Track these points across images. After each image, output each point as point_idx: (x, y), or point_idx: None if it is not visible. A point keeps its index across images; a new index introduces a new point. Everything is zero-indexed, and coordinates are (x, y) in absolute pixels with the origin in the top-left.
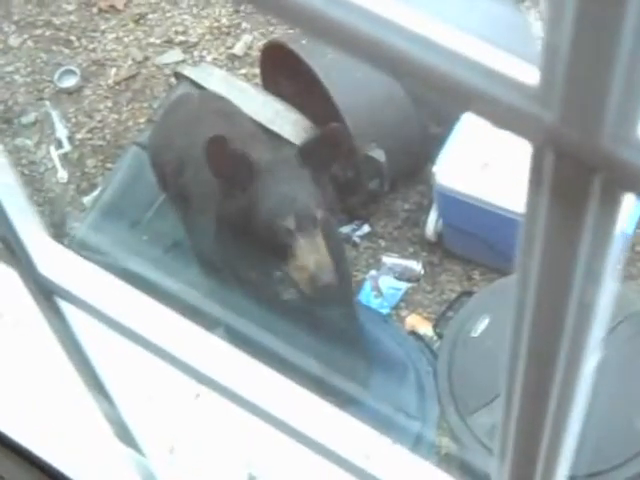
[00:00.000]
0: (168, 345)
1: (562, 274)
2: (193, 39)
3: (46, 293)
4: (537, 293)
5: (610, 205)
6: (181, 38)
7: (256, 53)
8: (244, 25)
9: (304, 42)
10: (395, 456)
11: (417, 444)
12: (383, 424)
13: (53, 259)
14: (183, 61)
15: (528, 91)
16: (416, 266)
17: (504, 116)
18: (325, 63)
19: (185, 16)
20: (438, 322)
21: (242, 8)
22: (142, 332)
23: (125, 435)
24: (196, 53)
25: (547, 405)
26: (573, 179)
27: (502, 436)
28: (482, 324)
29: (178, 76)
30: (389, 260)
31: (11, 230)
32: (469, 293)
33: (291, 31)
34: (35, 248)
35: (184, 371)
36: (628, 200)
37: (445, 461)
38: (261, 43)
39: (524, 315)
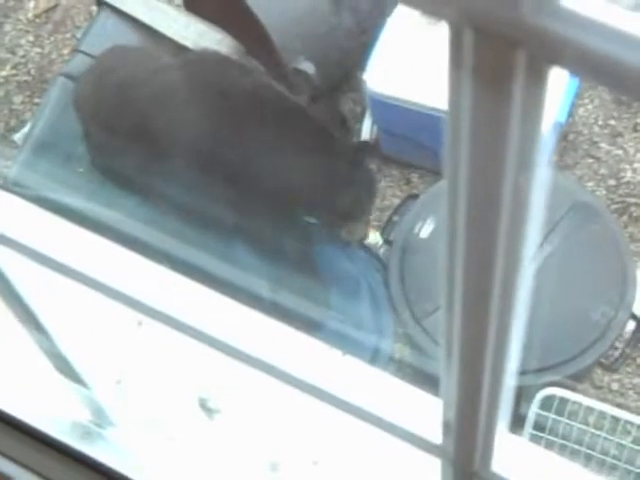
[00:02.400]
0: (105, 277)
1: (493, 162)
2: None
3: None
4: (469, 184)
5: (536, 81)
6: None
7: None
8: None
9: None
10: (346, 367)
11: (375, 357)
12: (340, 341)
13: None
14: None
15: None
16: None
17: None
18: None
19: None
20: (385, 228)
21: None
22: (76, 266)
23: (68, 370)
24: None
25: (490, 302)
26: (495, 57)
27: (447, 337)
28: (430, 226)
29: (99, 3)
30: None
31: None
32: (414, 196)
33: None
34: None
35: (124, 302)
36: (556, 79)
37: (401, 369)
38: None
39: (457, 210)
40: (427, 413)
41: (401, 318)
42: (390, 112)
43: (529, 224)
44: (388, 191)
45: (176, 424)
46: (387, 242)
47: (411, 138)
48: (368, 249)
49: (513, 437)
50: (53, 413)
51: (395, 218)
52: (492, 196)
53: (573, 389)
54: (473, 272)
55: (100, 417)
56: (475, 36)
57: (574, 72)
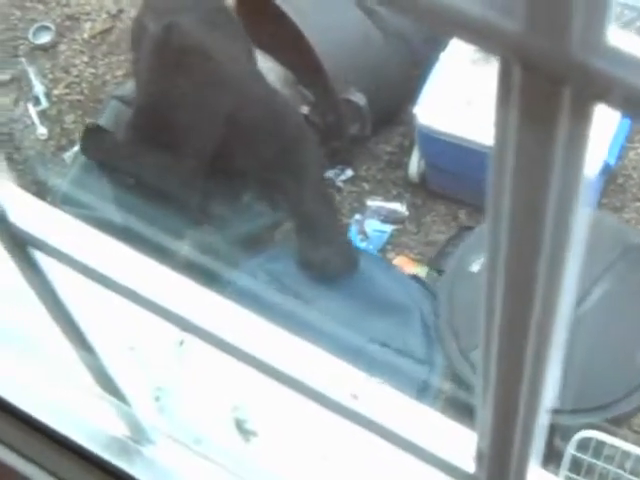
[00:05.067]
0: (149, 293)
1: (535, 198)
2: None
3: (20, 244)
4: (510, 219)
5: (581, 118)
6: None
7: (230, 1)
8: None
9: None
10: (383, 395)
11: (423, 387)
12: (389, 370)
13: (26, 210)
14: None
15: (492, 1)
16: (400, 208)
17: (467, 28)
18: (301, 8)
19: None
20: (436, 259)
21: None
22: (122, 280)
23: (109, 385)
24: None
25: (527, 340)
26: (542, 92)
27: (484, 369)
28: (481, 259)
29: None
30: (373, 203)
31: None
32: (469, 228)
33: None
34: (7, 199)
35: (166, 318)
36: (604, 119)
37: (443, 399)
38: None
39: (499, 246)
40: (462, 443)
41: (448, 348)
42: (439, 147)
43: (568, 256)
44: (433, 226)
45: (212, 444)
46: (438, 272)
47: (459, 174)
48: (419, 279)
49: (546, 473)
50: (92, 427)
51: (447, 249)
52: (533, 233)
53: (612, 433)
54: (511, 308)
55: (138, 434)
56: (523, 71)
57: (619, 110)
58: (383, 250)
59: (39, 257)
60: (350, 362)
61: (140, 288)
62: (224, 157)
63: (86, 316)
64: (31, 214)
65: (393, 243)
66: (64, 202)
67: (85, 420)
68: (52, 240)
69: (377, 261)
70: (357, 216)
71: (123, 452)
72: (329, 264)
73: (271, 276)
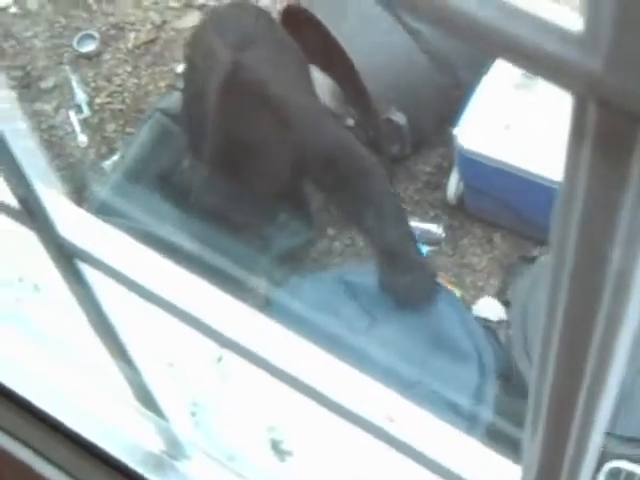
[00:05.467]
0: (190, 307)
1: (601, 235)
2: (212, 2)
3: (67, 256)
4: (575, 251)
5: None
6: (200, 1)
7: (276, 17)
8: None
9: (323, 6)
10: (420, 418)
11: (472, 424)
12: (440, 404)
13: (73, 222)
14: None
15: (571, 38)
16: (437, 229)
17: (544, 64)
18: (345, 27)
19: None
20: (501, 290)
21: None
22: (163, 294)
23: (147, 399)
24: None
25: (583, 371)
26: (618, 130)
27: (535, 399)
28: None
29: None
30: (410, 224)
31: (31, 193)
32: (528, 259)
33: None
34: (55, 211)
35: (206, 334)
36: None
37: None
38: (280, 7)
39: (560, 279)
40: (503, 475)
41: (525, 374)
42: (478, 170)
43: (631, 295)
44: (469, 249)
45: (247, 462)
46: (505, 304)
47: (497, 197)
48: (490, 329)
49: None
50: (128, 441)
51: (508, 280)
52: (597, 270)
53: None
54: (569, 340)
55: (174, 449)
56: (599, 108)
57: None
58: None
59: (85, 269)
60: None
61: (181, 302)
62: (293, 189)
63: (128, 330)
64: (78, 226)
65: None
66: (101, 211)
67: (122, 433)
68: (98, 253)
69: (452, 300)
70: None
71: (158, 467)
72: (410, 292)
73: (349, 289)
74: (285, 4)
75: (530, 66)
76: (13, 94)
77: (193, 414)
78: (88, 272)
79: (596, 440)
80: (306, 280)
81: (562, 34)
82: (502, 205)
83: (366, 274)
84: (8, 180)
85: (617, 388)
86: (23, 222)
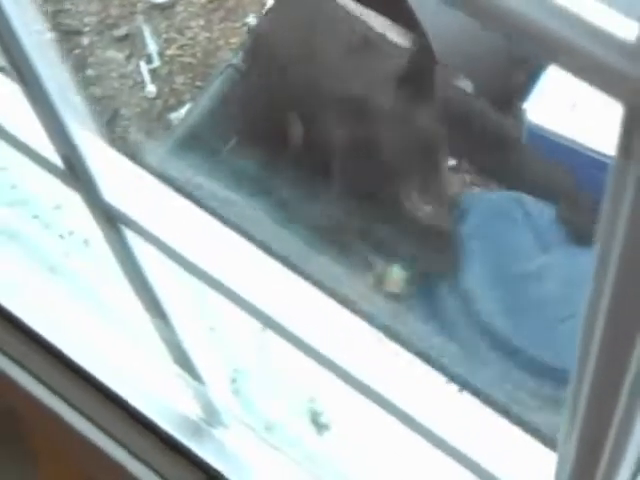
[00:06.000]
0: (233, 284)
1: None
2: None
3: (110, 220)
4: (621, 254)
5: None
6: None
7: None
8: None
9: None
10: (459, 404)
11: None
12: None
13: (119, 184)
14: None
15: (624, 47)
16: None
17: (595, 73)
18: None
19: None
20: None
21: None
22: (206, 268)
23: (186, 363)
24: None
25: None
26: None
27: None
28: None
29: None
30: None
31: (75, 152)
32: None
33: None
34: (101, 172)
35: (248, 311)
36: None
37: None
38: None
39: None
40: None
41: None
42: (546, 145)
43: None
44: None
45: (284, 433)
46: None
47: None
48: None
49: None
50: (166, 405)
51: None
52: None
53: None
54: (607, 354)
55: (211, 416)
56: None
57: None
58: None
59: (128, 233)
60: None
61: (223, 277)
62: None
63: (169, 294)
64: (124, 190)
65: None
66: (161, 166)
67: (160, 396)
68: (142, 220)
69: None
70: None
71: (194, 433)
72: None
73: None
74: None
75: (581, 74)
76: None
77: (233, 381)
78: (131, 236)
79: (638, 438)
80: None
81: (615, 42)
82: None
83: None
84: (52, 137)
85: None
86: (67, 183)
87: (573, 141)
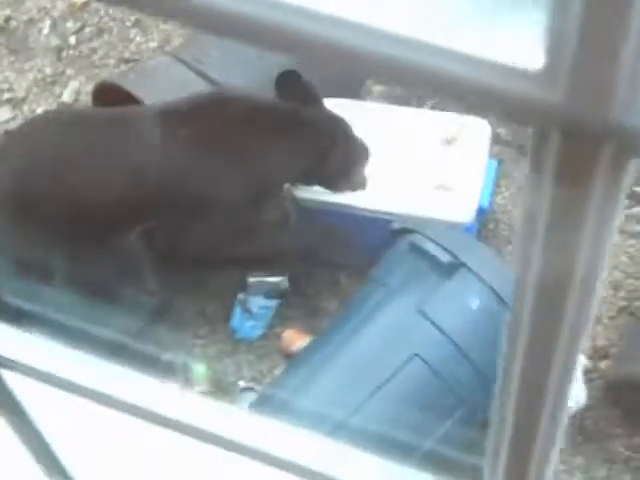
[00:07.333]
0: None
1: (565, 255)
2: (20, 94)
3: None
4: (538, 277)
5: (619, 173)
6: (7, 95)
7: (85, 97)
8: (69, 72)
9: (132, 77)
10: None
11: None
12: None
13: None
14: (14, 118)
15: (532, 77)
16: (282, 281)
17: (504, 106)
18: (153, 95)
19: (8, 73)
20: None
21: (64, 55)
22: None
23: None
24: (26, 107)
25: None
26: (580, 154)
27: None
28: None
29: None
30: (254, 280)
31: None
32: None
33: (117, 69)
34: None
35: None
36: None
37: None
38: (89, 87)
39: (524, 302)
40: None
41: None
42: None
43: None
44: (317, 295)
45: None
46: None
47: None
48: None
49: None
50: None
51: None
52: (560, 294)
53: None
54: (530, 371)
55: None
56: (561, 138)
57: None
58: (271, 326)
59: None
60: None
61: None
62: None
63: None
64: None
65: (281, 317)
66: None
67: None
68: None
69: None
70: (240, 295)
71: None
72: None
73: None
74: (94, 83)
75: (488, 110)
76: None
77: None
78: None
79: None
80: None
81: (521, 73)
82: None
83: None
84: None
85: None
86: None
87: (336, 204)
